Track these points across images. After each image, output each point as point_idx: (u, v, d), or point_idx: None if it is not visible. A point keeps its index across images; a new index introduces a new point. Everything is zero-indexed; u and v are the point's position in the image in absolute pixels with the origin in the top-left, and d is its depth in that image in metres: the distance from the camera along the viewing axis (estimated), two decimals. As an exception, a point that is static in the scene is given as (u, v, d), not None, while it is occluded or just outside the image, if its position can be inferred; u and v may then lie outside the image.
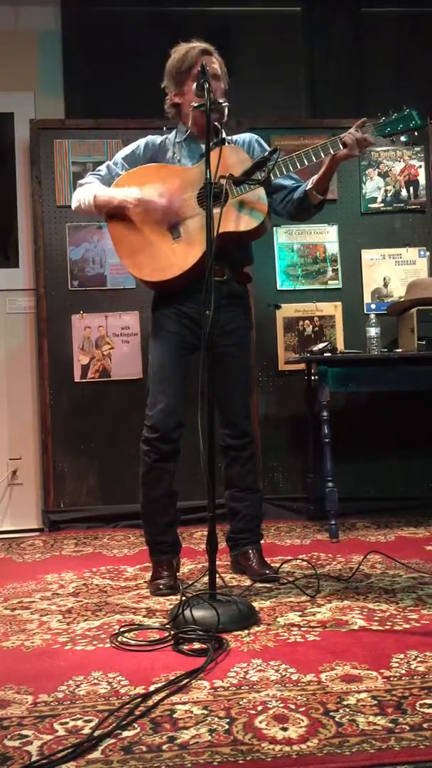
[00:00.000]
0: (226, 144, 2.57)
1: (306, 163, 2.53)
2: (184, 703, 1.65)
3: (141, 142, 2.76)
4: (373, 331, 3.70)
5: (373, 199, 4.22)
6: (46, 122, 4.13)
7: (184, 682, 1.76)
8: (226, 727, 1.52)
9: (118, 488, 3.96)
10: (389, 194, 4.22)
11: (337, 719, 1.53)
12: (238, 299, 2.75)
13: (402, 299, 3.95)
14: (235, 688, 1.72)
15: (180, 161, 2.70)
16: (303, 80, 4.59)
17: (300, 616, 2.26)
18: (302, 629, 2.13)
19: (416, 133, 2.58)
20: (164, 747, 1.44)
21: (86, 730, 1.53)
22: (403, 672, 1.78)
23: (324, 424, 3.47)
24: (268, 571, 2.69)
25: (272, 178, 2.52)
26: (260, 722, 1.53)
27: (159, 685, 1.75)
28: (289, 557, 3.02)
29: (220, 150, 2.36)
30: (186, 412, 2.66)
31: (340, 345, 4.05)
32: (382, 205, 4.22)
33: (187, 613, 2.12)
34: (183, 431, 2.66)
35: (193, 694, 1.70)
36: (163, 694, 1.69)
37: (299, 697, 1.65)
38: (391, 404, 4.07)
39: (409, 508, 3.95)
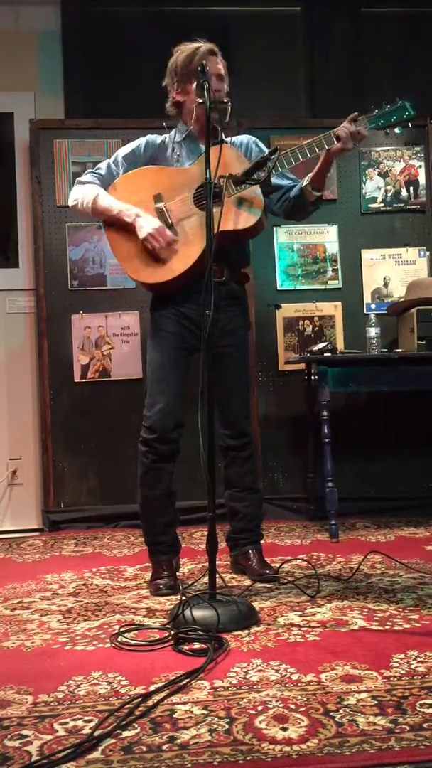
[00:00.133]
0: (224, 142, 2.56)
1: (301, 159, 2.53)
2: (184, 703, 1.65)
3: (141, 141, 2.76)
4: (373, 331, 3.70)
5: (373, 199, 4.22)
6: (46, 122, 4.13)
7: (184, 682, 1.76)
8: (226, 727, 1.52)
9: (118, 488, 3.96)
10: (389, 194, 4.22)
11: (337, 719, 1.53)
12: (236, 299, 2.74)
13: (402, 299, 3.95)
14: (235, 688, 1.72)
15: (178, 161, 2.70)
16: (303, 80, 4.59)
17: (300, 616, 2.26)
18: (302, 629, 2.13)
19: (410, 125, 2.58)
20: (164, 747, 1.44)
21: (86, 730, 1.53)
22: (403, 672, 1.78)
23: (324, 424, 3.47)
24: (268, 571, 2.69)
25: (273, 174, 2.52)
26: (260, 722, 1.53)
27: (159, 685, 1.75)
28: (289, 557, 3.02)
29: (220, 149, 2.35)
30: (186, 413, 2.65)
31: (340, 345, 4.05)
32: (382, 205, 4.22)
33: (187, 613, 2.12)
34: (182, 431, 2.66)
35: (193, 694, 1.70)
36: (163, 694, 1.69)
37: (299, 697, 1.65)
38: (391, 404, 4.07)
39: (409, 508, 3.95)
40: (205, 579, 2.29)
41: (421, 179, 4.23)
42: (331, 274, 4.18)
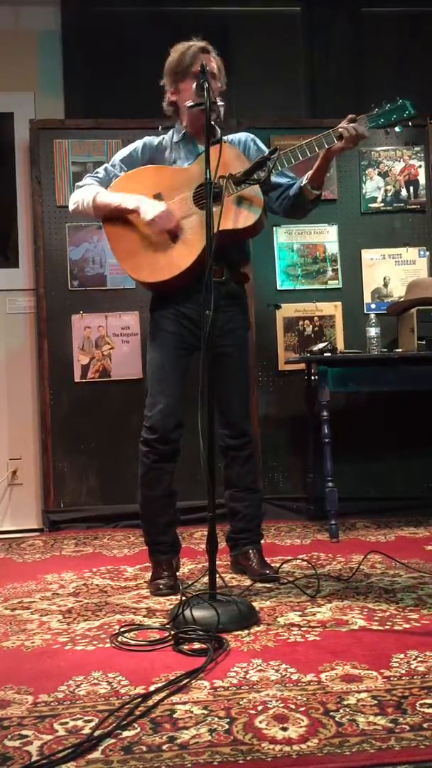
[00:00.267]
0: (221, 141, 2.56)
1: (301, 158, 2.52)
2: (184, 703, 1.65)
3: (139, 144, 2.76)
4: (373, 331, 3.70)
5: (373, 199, 4.22)
6: (46, 122, 4.13)
7: (184, 682, 1.76)
8: (226, 727, 1.52)
9: (118, 488, 3.96)
10: (389, 194, 4.22)
11: (337, 719, 1.53)
12: (236, 299, 2.74)
13: (402, 299, 3.95)
14: (235, 688, 1.72)
15: (176, 162, 2.70)
16: (303, 80, 4.59)
17: (300, 616, 2.26)
18: (302, 629, 2.13)
19: (410, 124, 2.58)
20: (164, 747, 1.44)
21: (86, 730, 1.53)
22: (403, 672, 1.78)
23: (324, 424, 3.47)
24: (268, 571, 2.69)
25: (273, 173, 2.51)
26: (260, 722, 1.53)
27: (159, 685, 1.75)
28: (289, 557, 3.02)
29: (220, 147, 2.35)
30: (186, 413, 2.66)
31: (340, 345, 4.05)
32: (382, 204, 4.22)
33: (187, 613, 2.12)
34: (183, 431, 2.66)
35: (193, 694, 1.70)
36: (163, 694, 1.69)
37: (299, 697, 1.65)
38: (391, 404, 4.07)
39: (409, 508, 3.95)
40: (205, 579, 2.29)
41: (421, 179, 4.23)
42: (331, 274, 4.18)
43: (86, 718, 1.59)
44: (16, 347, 4.20)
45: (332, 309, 4.15)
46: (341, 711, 1.57)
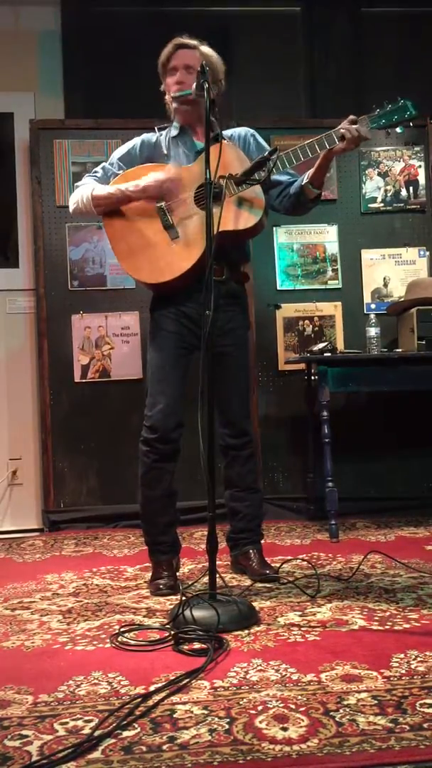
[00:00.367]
0: (222, 139, 2.56)
1: (302, 158, 2.52)
2: (184, 703, 1.65)
3: (137, 142, 2.77)
4: (373, 331, 3.70)
5: (373, 199, 4.22)
6: (45, 122, 4.13)
7: (184, 682, 1.76)
8: (227, 727, 1.52)
9: (118, 488, 3.96)
10: (389, 194, 4.22)
11: (337, 719, 1.53)
12: (236, 299, 2.74)
13: (402, 299, 3.95)
14: (235, 688, 1.72)
15: (175, 158, 2.69)
16: (303, 80, 4.59)
17: (300, 616, 2.26)
18: (302, 629, 2.13)
19: (411, 124, 2.58)
20: (164, 747, 1.44)
21: (86, 730, 1.53)
22: (403, 672, 1.78)
23: (324, 424, 3.47)
24: (268, 571, 2.69)
25: (273, 174, 2.52)
26: (260, 722, 1.53)
27: (159, 685, 1.75)
28: (290, 557, 3.02)
29: (220, 147, 2.35)
30: (186, 412, 2.66)
31: (340, 345, 4.06)
32: (381, 205, 4.22)
33: (187, 613, 2.12)
34: (183, 431, 2.66)
35: (193, 694, 1.70)
36: (163, 694, 1.69)
37: (299, 697, 1.65)
38: (391, 404, 4.07)
39: (409, 508, 3.96)
40: (205, 579, 2.29)
41: (421, 179, 4.23)
42: (331, 274, 4.18)
43: (86, 718, 1.59)
44: (16, 347, 4.20)
45: (332, 309, 4.16)
46: (341, 711, 1.57)
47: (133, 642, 2.08)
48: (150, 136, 2.77)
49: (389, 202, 4.22)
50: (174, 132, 2.75)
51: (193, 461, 2.40)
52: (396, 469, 4.12)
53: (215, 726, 1.52)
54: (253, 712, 1.58)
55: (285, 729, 1.50)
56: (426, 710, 1.56)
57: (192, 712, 1.60)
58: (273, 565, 2.76)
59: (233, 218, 2.53)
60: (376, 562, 2.90)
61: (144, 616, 2.34)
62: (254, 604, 2.33)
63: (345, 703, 1.61)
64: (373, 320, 3.73)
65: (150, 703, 1.65)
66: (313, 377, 3.87)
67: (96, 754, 1.43)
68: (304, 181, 2.63)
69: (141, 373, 3.98)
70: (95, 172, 2.75)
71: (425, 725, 1.49)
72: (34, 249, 4.10)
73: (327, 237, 4.18)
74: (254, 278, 3.94)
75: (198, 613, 2.11)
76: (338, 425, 3.61)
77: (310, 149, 2.52)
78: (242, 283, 2.78)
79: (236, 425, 2.76)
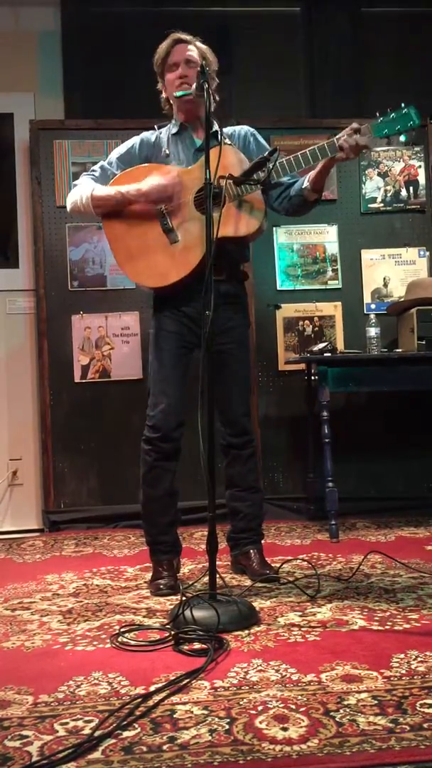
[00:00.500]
0: (221, 137, 2.55)
1: (303, 165, 2.52)
2: (184, 704, 1.65)
3: (136, 141, 2.76)
4: (373, 331, 3.70)
5: (373, 199, 4.22)
6: (45, 122, 4.13)
7: (184, 682, 1.76)
8: (227, 727, 1.52)
9: (119, 489, 3.96)
10: (389, 194, 4.22)
11: (337, 719, 1.53)
12: (235, 297, 2.75)
13: (402, 299, 3.95)
14: (235, 688, 1.72)
15: (176, 157, 2.68)
16: (303, 80, 4.59)
17: (300, 616, 2.26)
18: (302, 629, 2.13)
19: (413, 133, 2.57)
20: (165, 747, 1.44)
21: (86, 731, 1.53)
22: (404, 672, 1.78)
23: (324, 424, 3.47)
24: (268, 571, 2.69)
25: (271, 179, 2.51)
26: (260, 722, 1.53)
27: (159, 685, 1.75)
28: (290, 557, 3.02)
29: (220, 151, 2.35)
30: (186, 412, 2.66)
31: (340, 345, 4.05)
32: (381, 205, 4.22)
33: (187, 613, 2.12)
34: (184, 430, 2.66)
35: (193, 694, 1.70)
36: (163, 695, 1.69)
37: (299, 697, 1.65)
38: (391, 404, 4.07)
39: (409, 508, 3.95)
40: (206, 579, 2.29)
41: (421, 179, 4.23)
42: (331, 274, 4.18)
43: (86, 718, 1.59)
44: (16, 348, 4.19)
45: (332, 309, 4.15)
46: (341, 711, 1.57)
47: (133, 642, 2.08)
48: (149, 135, 2.77)
49: (389, 202, 4.22)
50: (174, 129, 2.74)
51: (194, 461, 2.40)
52: (396, 469, 4.12)
53: (215, 726, 1.52)
54: (253, 712, 1.58)
55: (285, 729, 1.50)
56: (426, 710, 1.56)
57: (192, 712, 1.60)
58: (273, 565, 2.76)
59: (234, 223, 2.53)
60: (376, 563, 2.90)
61: (144, 617, 2.34)
62: (254, 604, 2.33)
63: (345, 703, 1.61)
64: (373, 320, 3.73)
65: (150, 703, 1.65)
66: (313, 377, 3.87)
67: (96, 755, 1.43)
68: (305, 185, 2.63)
69: (141, 373, 3.98)
70: (93, 170, 2.74)
71: (425, 725, 1.49)
72: (34, 249, 4.10)
73: (327, 237, 4.18)
74: (254, 278, 3.95)
75: (198, 614, 2.11)
76: (338, 425, 3.61)
77: (312, 157, 2.50)
78: (242, 282, 2.79)
79: (236, 424, 2.76)
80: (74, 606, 2.50)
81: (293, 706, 1.60)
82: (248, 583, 2.64)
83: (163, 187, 2.56)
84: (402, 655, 1.89)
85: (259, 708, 1.60)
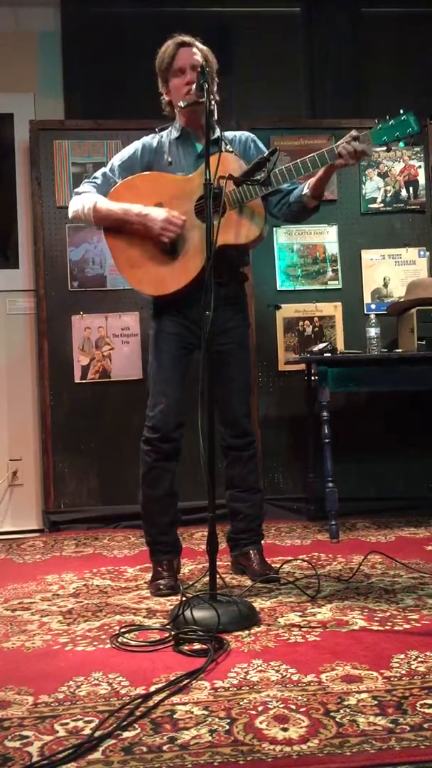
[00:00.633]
0: (223, 141, 2.56)
1: (303, 173, 2.51)
2: (184, 704, 1.65)
3: (138, 146, 2.75)
4: (373, 332, 3.70)
5: (373, 200, 4.22)
6: (45, 123, 4.13)
7: (184, 682, 1.76)
8: (227, 727, 1.52)
9: (119, 489, 3.96)
10: (389, 194, 4.22)
11: (337, 719, 1.53)
12: (235, 298, 2.75)
13: (402, 299, 3.95)
14: (235, 689, 1.72)
15: (178, 163, 2.68)
16: (303, 80, 4.59)
17: (300, 616, 2.26)
18: (303, 629, 2.13)
19: (412, 137, 2.57)
20: (165, 747, 1.44)
21: (87, 731, 1.53)
22: (404, 672, 1.78)
23: (324, 424, 3.47)
24: (268, 572, 2.69)
25: (270, 183, 2.51)
26: (261, 723, 1.53)
27: (159, 685, 1.75)
28: (290, 557, 3.02)
29: (219, 157, 2.35)
30: (187, 412, 2.66)
31: (340, 345, 4.05)
32: (381, 205, 4.22)
33: (187, 613, 2.12)
34: (184, 430, 2.66)
35: (193, 694, 1.70)
36: (163, 695, 1.69)
37: (300, 698, 1.65)
38: (391, 404, 4.07)
39: (409, 508, 3.96)
40: (206, 579, 2.29)
41: (421, 179, 4.23)
42: (331, 274, 4.18)
43: (87, 718, 1.59)
44: (17, 348, 4.19)
45: (332, 309, 4.16)
46: (342, 711, 1.57)
47: (133, 642, 2.08)
48: (151, 141, 2.75)
49: (389, 203, 4.22)
50: (175, 134, 2.74)
51: (194, 461, 2.40)
52: (396, 469, 4.12)
53: (215, 726, 1.52)
54: (253, 712, 1.58)
55: (285, 729, 1.50)
56: (426, 711, 1.56)
57: (192, 712, 1.60)
58: (273, 565, 2.76)
59: (234, 231, 2.53)
60: (377, 563, 2.90)
61: (144, 617, 2.34)
62: (254, 604, 2.33)
63: (345, 703, 1.61)
64: (373, 320, 3.73)
65: (150, 703, 1.65)
66: (313, 377, 3.87)
67: (96, 755, 1.43)
68: (304, 191, 2.62)
69: (141, 373, 3.98)
70: (95, 178, 2.73)
71: (425, 726, 1.49)
72: (34, 250, 4.10)
73: (327, 237, 4.18)
74: (254, 279, 3.95)
75: (198, 614, 2.12)
76: (338, 425, 3.61)
77: (312, 164, 2.50)
78: (241, 284, 2.79)
79: (237, 425, 2.76)
80: (74, 606, 2.50)
81: (293, 707, 1.60)
82: (248, 583, 2.63)
83: (163, 221, 2.52)
84: (402, 656, 1.89)
85: (260, 708, 1.60)
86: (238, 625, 2.14)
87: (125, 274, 2.65)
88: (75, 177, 4.01)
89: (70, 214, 2.71)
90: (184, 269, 2.56)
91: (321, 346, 3.58)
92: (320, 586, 2.56)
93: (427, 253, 4.19)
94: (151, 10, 4.39)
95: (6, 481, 4.15)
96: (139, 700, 1.66)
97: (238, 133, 2.80)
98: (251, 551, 2.77)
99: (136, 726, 1.54)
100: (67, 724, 1.57)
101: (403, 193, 4.22)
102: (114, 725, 1.54)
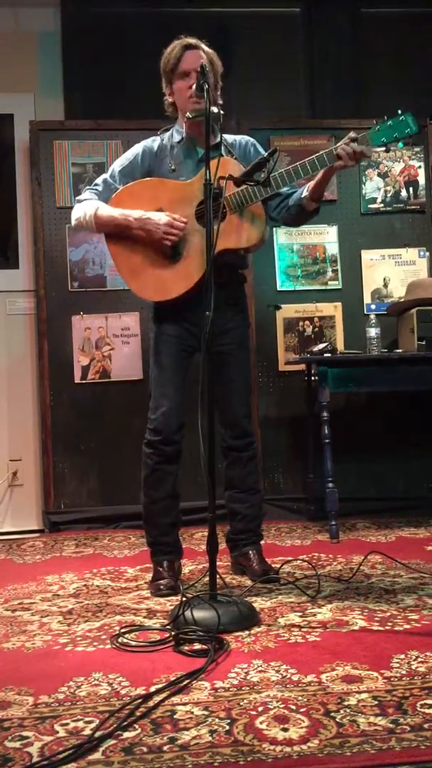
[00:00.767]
0: (223, 145, 2.56)
1: (303, 175, 2.51)
2: (184, 704, 1.65)
3: (138, 151, 2.74)
4: (373, 332, 3.70)
5: (373, 200, 4.22)
6: (45, 123, 4.13)
7: (184, 682, 1.76)
8: (227, 727, 1.52)
9: (119, 489, 3.96)
10: (389, 194, 4.22)
11: (337, 720, 1.53)
12: (235, 299, 2.75)
13: (402, 299, 3.95)
14: (235, 689, 1.72)
15: (179, 168, 2.68)
16: (303, 80, 4.59)
17: (300, 616, 2.26)
18: (303, 630, 2.13)
19: (411, 137, 2.57)
20: (165, 748, 1.44)
21: (87, 731, 1.53)
22: (404, 672, 1.78)
23: (324, 424, 3.47)
24: (268, 572, 2.69)
25: (272, 182, 2.50)
26: (261, 723, 1.53)
27: (160, 685, 1.75)
28: (290, 558, 3.02)
29: (218, 162, 2.35)
30: (187, 413, 2.66)
31: (340, 345, 4.06)
32: (381, 205, 4.22)
33: (187, 613, 2.12)
34: (184, 432, 2.67)
35: (193, 694, 1.70)
36: (163, 695, 1.69)
37: (300, 698, 1.65)
38: (391, 404, 4.07)
39: (409, 508, 3.96)
40: (206, 579, 2.29)
41: (421, 179, 4.23)
42: (331, 274, 4.18)
43: (87, 719, 1.59)
44: (17, 348, 4.19)
45: (332, 309, 4.16)
46: (342, 712, 1.57)
47: (133, 643, 2.08)
48: (151, 144, 2.75)
49: (389, 203, 4.22)
50: (177, 137, 2.74)
51: (194, 462, 2.40)
52: (396, 469, 4.12)
53: (216, 727, 1.52)
54: (253, 712, 1.58)
55: (285, 730, 1.50)
56: (426, 711, 1.56)
57: (192, 712, 1.60)
58: (273, 565, 2.76)
59: (235, 236, 2.53)
60: (377, 563, 2.90)
61: (144, 617, 2.34)
62: (254, 604, 2.33)
63: (345, 703, 1.61)
64: (373, 321, 3.73)
65: (150, 703, 1.65)
66: (313, 378, 3.87)
67: (96, 755, 1.43)
68: (304, 194, 2.62)
69: (141, 374, 3.98)
70: (96, 185, 2.73)
71: (426, 726, 1.49)
72: (34, 250, 4.10)
73: (327, 237, 4.18)
74: (254, 279, 3.96)
75: (198, 614, 2.12)
76: (338, 425, 3.61)
77: (311, 167, 2.49)
78: (241, 284, 2.79)
79: (237, 425, 2.76)
80: (74, 606, 2.50)
81: (293, 707, 1.60)
82: (248, 583, 2.64)
83: (164, 225, 2.53)
84: (402, 656, 1.89)
85: (260, 708, 1.60)
86: (238, 625, 2.14)
87: (127, 281, 2.66)
88: (75, 177, 4.01)
89: (72, 223, 2.71)
90: (185, 274, 2.56)
91: (321, 346, 3.58)
92: (320, 586, 2.56)
93: (427, 254, 4.19)
94: (151, 10, 4.39)
95: (6, 481, 4.15)
96: (140, 701, 1.66)
97: (238, 137, 2.80)
98: (251, 551, 2.77)
99: (137, 726, 1.54)
100: (67, 724, 1.57)
101: (403, 193, 4.22)
102: (114, 725, 1.54)
